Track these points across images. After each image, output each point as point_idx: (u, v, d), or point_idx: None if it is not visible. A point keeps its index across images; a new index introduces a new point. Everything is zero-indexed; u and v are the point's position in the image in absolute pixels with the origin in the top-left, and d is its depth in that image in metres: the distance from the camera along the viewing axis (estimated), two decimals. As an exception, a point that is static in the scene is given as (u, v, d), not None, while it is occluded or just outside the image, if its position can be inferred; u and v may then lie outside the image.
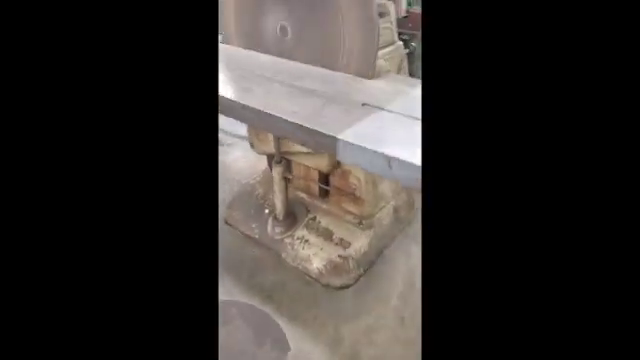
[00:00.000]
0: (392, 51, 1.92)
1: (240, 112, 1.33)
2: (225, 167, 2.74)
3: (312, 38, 1.62)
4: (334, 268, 1.93)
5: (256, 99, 1.35)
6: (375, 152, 1.04)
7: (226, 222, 2.27)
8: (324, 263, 1.94)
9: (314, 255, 1.97)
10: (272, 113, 1.25)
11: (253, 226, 2.18)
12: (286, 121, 1.21)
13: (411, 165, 0.98)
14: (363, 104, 1.31)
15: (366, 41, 1.48)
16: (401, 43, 1.99)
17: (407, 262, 2.03)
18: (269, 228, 2.11)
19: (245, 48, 1.86)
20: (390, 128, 1.14)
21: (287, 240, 2.06)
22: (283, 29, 1.69)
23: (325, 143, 1.15)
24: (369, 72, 1.50)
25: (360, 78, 1.52)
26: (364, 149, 1.07)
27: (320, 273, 1.93)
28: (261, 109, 1.28)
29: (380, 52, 1.86)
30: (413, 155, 1.00)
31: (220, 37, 1.96)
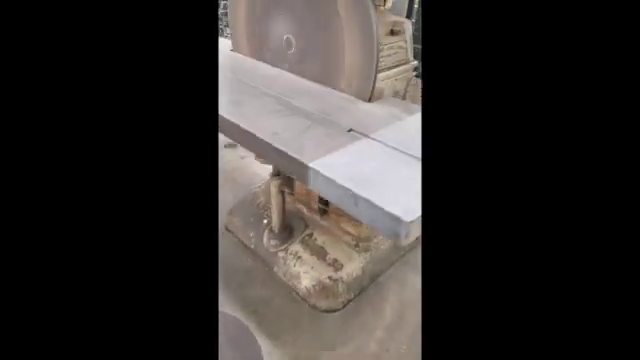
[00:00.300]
0: (405, 70, 1.82)
1: (224, 126, 1.28)
2: (240, 170, 2.72)
3: (315, 54, 1.55)
4: (322, 290, 1.84)
5: (243, 114, 1.29)
6: (343, 187, 0.96)
7: (226, 228, 2.24)
8: (313, 283, 1.86)
9: (304, 273, 1.90)
10: (252, 132, 1.19)
11: (250, 235, 2.13)
12: (263, 141, 1.15)
13: (377, 208, 0.89)
14: (349, 130, 1.22)
15: (365, 63, 1.39)
16: (416, 62, 1.87)
17: (400, 292, 1.92)
18: (265, 239, 2.06)
19: (253, 57, 1.82)
20: (368, 161, 1.05)
21: (281, 254, 2.00)
22: (288, 41, 1.62)
23: (297, 170, 1.08)
24: (367, 95, 1.41)
25: (358, 100, 1.43)
26: (333, 182, 0.98)
27: (308, 293, 1.86)
28: (243, 126, 1.22)
29: (391, 71, 1.76)
30: (382, 196, 0.91)
31: (231, 43, 1.92)
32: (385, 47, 1.72)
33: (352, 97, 1.45)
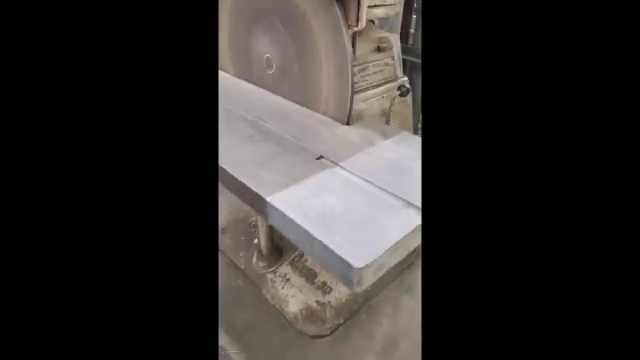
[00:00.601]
0: (392, 88, 1.73)
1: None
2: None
3: (293, 75, 1.48)
4: (310, 315, 1.77)
5: (213, 140, 1.24)
6: (297, 225, 0.89)
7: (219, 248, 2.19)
8: (301, 307, 1.78)
9: (292, 297, 1.83)
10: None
11: (240, 255, 2.08)
12: (225, 170, 1.08)
13: (329, 250, 0.81)
14: (319, 157, 1.15)
15: (340, 86, 1.32)
16: (404, 79, 1.79)
17: (394, 315, 1.82)
18: (254, 260, 2.00)
19: (237, 76, 1.77)
20: (329, 194, 0.97)
21: (269, 276, 1.93)
22: (268, 61, 1.56)
23: (257, 204, 1.01)
24: (344, 118, 1.33)
25: (336, 122, 1.36)
26: (288, 219, 0.91)
27: (295, 318, 1.78)
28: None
29: (378, 89, 1.68)
30: (335, 237, 0.83)
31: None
32: (370, 65, 1.64)
33: (330, 119, 1.38)
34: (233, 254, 2.09)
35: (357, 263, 0.77)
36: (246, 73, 1.70)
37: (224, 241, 2.16)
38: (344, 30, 1.21)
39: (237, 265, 2.04)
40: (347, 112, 1.32)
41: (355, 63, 1.59)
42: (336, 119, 1.37)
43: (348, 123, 1.34)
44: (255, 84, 1.66)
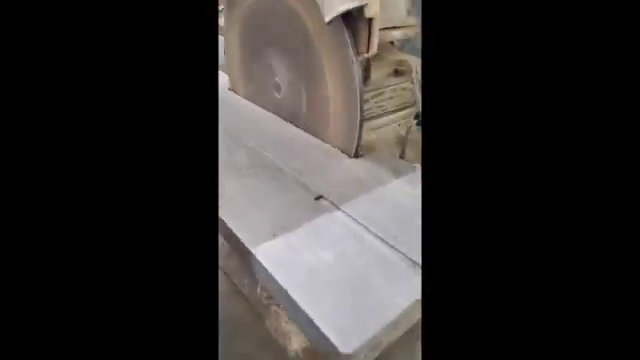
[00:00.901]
0: (411, 114, 1.58)
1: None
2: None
3: (302, 101, 1.36)
4: (311, 355, 1.62)
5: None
6: (282, 289, 0.76)
7: (223, 270, 2.08)
8: (303, 346, 1.64)
9: (295, 334, 1.69)
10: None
11: (245, 281, 1.96)
12: (213, 212, 0.97)
13: (317, 329, 0.68)
14: (318, 197, 1.01)
15: (348, 116, 1.18)
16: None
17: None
18: (258, 289, 1.88)
19: (247, 98, 1.66)
20: (322, 249, 0.83)
21: (273, 307, 1.80)
22: (277, 86, 1.45)
23: (243, 251, 0.89)
24: (351, 149, 1.20)
25: (343, 154, 1.22)
26: (271, 276, 0.78)
27: (297, 356, 1.64)
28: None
29: (394, 115, 1.54)
30: (322, 306, 0.70)
31: (228, 81, 1.79)
32: (387, 89, 1.50)
33: (337, 150, 1.25)
34: (237, 278, 1.98)
35: (344, 347, 0.63)
36: (256, 95, 1.60)
37: (228, 263, 2.06)
38: (352, 57, 1.08)
39: (241, 291, 1.93)
40: (355, 143, 1.18)
41: (369, 88, 1.45)
42: (344, 150, 1.23)
43: (357, 155, 1.20)
44: (264, 107, 1.55)
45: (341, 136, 1.24)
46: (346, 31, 1.07)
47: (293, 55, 1.31)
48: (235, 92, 1.73)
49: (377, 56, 1.54)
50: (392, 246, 0.84)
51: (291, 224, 0.91)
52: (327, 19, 1.01)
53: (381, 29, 1.40)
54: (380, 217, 0.93)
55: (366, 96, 1.44)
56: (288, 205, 0.98)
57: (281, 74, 1.41)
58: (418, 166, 1.23)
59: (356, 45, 1.09)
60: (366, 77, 1.36)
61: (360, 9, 1.02)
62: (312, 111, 1.33)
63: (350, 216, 0.94)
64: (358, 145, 1.19)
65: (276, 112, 1.50)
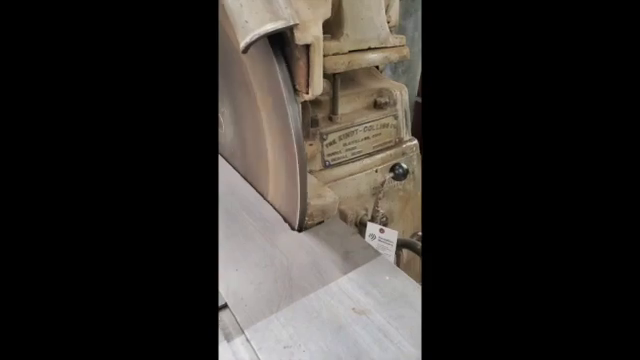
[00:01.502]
0: (393, 156, 1.24)
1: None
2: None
3: (243, 145, 1.04)
4: None
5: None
6: None
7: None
8: None
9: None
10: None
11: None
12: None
13: None
14: (222, 306, 0.69)
15: (288, 178, 0.85)
16: (415, 142, 1.28)
17: None
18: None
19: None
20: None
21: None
22: (220, 124, 1.13)
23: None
24: (293, 222, 0.86)
25: (285, 224, 0.89)
26: None
27: None
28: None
29: (369, 160, 1.20)
30: None
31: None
32: (359, 128, 1.15)
33: (278, 217, 0.91)
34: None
35: None
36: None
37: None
38: (286, 98, 0.74)
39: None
40: (297, 215, 0.84)
41: (336, 127, 1.11)
42: (286, 218, 0.90)
43: (301, 228, 0.87)
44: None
45: (281, 201, 0.91)
46: (276, 63, 0.73)
47: (234, 89, 0.99)
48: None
49: (350, 84, 1.20)
50: None
51: None
52: (242, 45, 0.68)
53: (352, 51, 1.07)
54: (301, 345, 0.60)
55: (331, 137, 1.11)
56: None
57: (224, 105, 1.09)
58: (385, 254, 0.89)
59: (293, 82, 0.76)
60: (313, 121, 1.02)
61: (290, 33, 0.69)
62: (251, 159, 1.01)
63: (254, 348, 0.61)
64: (302, 218, 0.85)
65: (223, 153, 1.18)
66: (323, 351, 0.61)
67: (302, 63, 0.72)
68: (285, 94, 0.74)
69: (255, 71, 0.83)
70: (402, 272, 0.76)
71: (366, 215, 1.14)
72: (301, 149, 0.78)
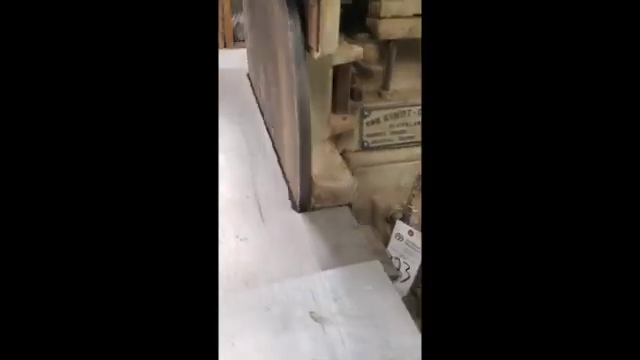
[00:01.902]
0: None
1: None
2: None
3: (272, 111, 0.95)
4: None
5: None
6: None
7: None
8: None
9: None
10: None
11: None
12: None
13: None
14: None
15: (294, 151, 0.74)
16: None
17: None
18: None
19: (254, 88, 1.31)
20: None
21: None
22: (262, 83, 1.06)
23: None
24: (295, 198, 0.76)
25: (289, 202, 0.79)
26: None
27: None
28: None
29: (405, 151, 1.02)
30: None
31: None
32: (412, 110, 0.97)
33: (287, 194, 0.82)
34: None
35: None
36: (255, 89, 1.24)
37: None
38: (293, 54, 0.63)
39: None
40: (299, 190, 0.74)
41: (385, 104, 0.95)
42: (291, 195, 0.80)
43: (303, 209, 0.76)
44: (257, 103, 1.19)
45: (288, 173, 0.81)
46: (288, 12, 0.62)
47: (268, 46, 0.90)
48: (250, 80, 1.39)
49: (409, 56, 1.01)
50: None
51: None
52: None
53: (418, 15, 0.88)
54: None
55: (375, 115, 0.96)
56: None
57: (266, 72, 1.01)
58: (409, 260, 0.75)
59: (305, 37, 0.64)
60: (355, 92, 0.88)
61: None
62: (275, 128, 0.92)
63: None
64: (306, 195, 0.74)
65: (262, 112, 1.12)
66: (255, 348, 0.51)
67: (314, 12, 0.60)
68: (292, 48, 0.63)
69: (277, 26, 0.73)
70: (392, 288, 0.61)
71: (400, 211, 0.98)
72: (304, 117, 0.66)
